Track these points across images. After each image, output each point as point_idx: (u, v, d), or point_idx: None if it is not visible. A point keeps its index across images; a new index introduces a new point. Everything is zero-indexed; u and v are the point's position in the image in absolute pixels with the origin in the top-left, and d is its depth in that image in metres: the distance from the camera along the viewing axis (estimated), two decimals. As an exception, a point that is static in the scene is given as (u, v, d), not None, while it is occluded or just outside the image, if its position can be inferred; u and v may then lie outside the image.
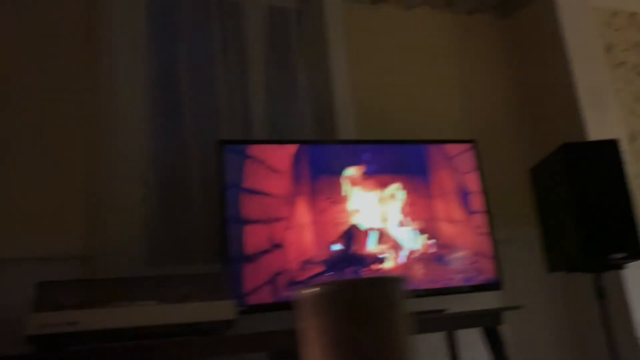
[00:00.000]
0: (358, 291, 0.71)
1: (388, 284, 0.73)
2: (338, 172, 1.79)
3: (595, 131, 2.36)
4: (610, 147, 1.86)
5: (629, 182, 1.83)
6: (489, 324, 1.75)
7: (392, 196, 1.85)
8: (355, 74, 2.27)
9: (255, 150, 1.72)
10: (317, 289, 0.71)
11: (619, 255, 1.78)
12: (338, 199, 1.77)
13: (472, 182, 1.95)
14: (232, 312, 1.42)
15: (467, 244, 1.88)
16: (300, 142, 1.78)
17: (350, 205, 1.78)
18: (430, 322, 1.68)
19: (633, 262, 1.87)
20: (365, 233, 1.78)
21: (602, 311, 1.88)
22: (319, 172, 1.77)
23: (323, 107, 2.20)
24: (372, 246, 1.78)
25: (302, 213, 1.71)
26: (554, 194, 1.95)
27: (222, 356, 1.49)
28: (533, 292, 2.40)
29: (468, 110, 2.48)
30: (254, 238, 1.64)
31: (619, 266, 1.89)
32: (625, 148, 2.46)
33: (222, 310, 1.41)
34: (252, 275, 1.62)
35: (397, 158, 1.88)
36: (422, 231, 1.84)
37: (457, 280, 1.83)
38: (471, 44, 2.59)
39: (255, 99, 2.02)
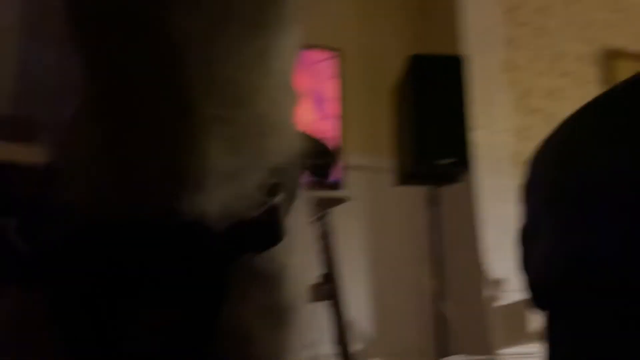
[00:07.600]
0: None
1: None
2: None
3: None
4: (454, 62, 1.97)
5: (467, 96, 1.95)
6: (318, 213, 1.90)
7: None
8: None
9: None
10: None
11: (447, 161, 1.92)
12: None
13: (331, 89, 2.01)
14: None
15: (315, 144, 1.98)
16: None
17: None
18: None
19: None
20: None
21: (432, 219, 2.05)
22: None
23: None
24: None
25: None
26: (402, 108, 2.06)
27: None
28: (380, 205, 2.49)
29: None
30: None
31: (451, 177, 2.04)
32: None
33: None
34: None
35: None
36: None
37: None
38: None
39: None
